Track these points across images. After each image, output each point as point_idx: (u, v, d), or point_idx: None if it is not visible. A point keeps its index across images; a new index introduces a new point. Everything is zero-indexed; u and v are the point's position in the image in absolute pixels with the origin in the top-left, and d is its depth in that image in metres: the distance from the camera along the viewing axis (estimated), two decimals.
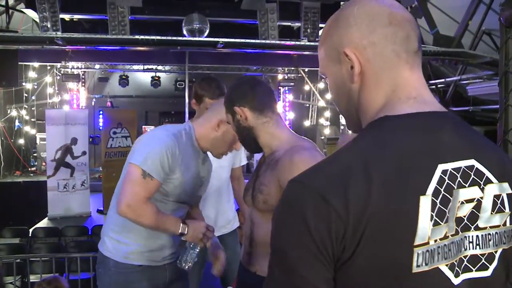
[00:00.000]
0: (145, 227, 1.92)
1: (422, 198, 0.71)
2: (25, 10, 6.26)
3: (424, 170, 0.73)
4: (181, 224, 1.94)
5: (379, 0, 0.84)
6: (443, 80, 7.67)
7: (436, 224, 0.72)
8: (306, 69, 11.07)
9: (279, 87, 12.33)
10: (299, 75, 11.35)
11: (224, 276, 2.75)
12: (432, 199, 0.72)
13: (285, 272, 0.74)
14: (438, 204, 0.72)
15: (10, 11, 5.90)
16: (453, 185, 0.74)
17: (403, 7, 0.86)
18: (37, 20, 5.73)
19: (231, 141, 2.00)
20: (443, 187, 0.73)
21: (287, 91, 12.49)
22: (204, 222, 2.05)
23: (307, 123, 12.71)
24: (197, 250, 1.98)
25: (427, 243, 0.71)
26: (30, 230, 6.16)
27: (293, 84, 11.33)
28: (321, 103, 11.87)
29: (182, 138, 1.96)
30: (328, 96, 11.50)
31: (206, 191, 2.32)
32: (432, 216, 0.71)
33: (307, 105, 12.86)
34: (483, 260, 0.77)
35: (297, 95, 12.84)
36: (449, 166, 0.75)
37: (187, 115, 9.00)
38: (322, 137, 11.01)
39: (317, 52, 0.93)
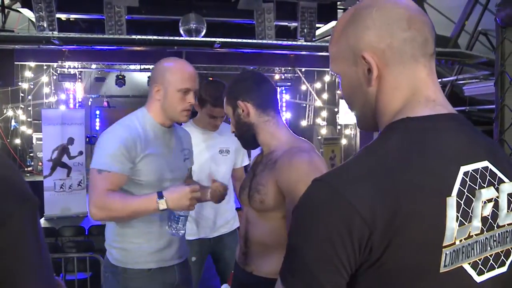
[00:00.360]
0: (123, 220, 1.89)
1: (448, 199, 0.73)
2: (21, 10, 6.23)
3: (448, 172, 0.75)
4: (157, 199, 1.78)
5: (397, 2, 0.84)
6: (439, 80, 7.66)
7: (461, 224, 0.74)
8: (303, 69, 11.07)
9: (276, 87, 12.29)
10: (296, 75, 11.35)
11: (224, 274, 2.76)
12: (457, 200, 0.74)
13: (299, 271, 0.74)
14: (463, 205, 0.74)
15: (6, 10, 5.88)
16: (474, 186, 0.76)
17: (420, 9, 0.85)
18: (33, 19, 5.71)
19: (177, 98, 1.93)
20: (466, 188, 0.75)
21: (284, 91, 12.48)
22: (185, 187, 1.83)
23: (304, 123, 12.72)
24: (188, 213, 1.87)
25: (454, 243, 0.73)
26: None
27: (290, 84, 11.33)
28: (318, 103, 11.87)
29: (136, 124, 1.91)
30: (325, 96, 11.51)
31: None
32: (457, 217, 0.73)
33: (304, 105, 12.87)
34: (502, 257, 0.80)
35: (294, 95, 12.85)
36: (469, 167, 0.77)
37: None
38: (319, 137, 11.03)
39: (328, 49, 0.92)
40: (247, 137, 1.75)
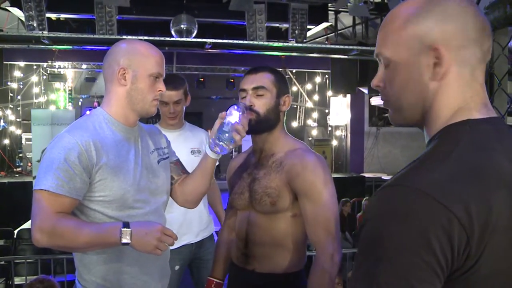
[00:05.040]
0: (77, 249, 1.51)
1: None
2: (10, 9, 6.18)
3: None
4: (121, 229, 1.40)
5: (471, 2, 0.82)
6: None
7: None
8: (294, 70, 11.09)
9: None
10: (287, 76, 11.37)
11: (203, 282, 2.67)
12: None
13: (391, 284, 0.69)
14: None
15: None
16: None
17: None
18: (23, 19, 5.67)
19: (148, 84, 1.59)
20: None
21: None
22: (157, 224, 1.47)
23: (294, 124, 12.74)
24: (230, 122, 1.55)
25: None
26: (15, 232, 6.09)
27: None
28: (309, 104, 11.90)
29: (90, 126, 1.55)
30: (316, 97, 11.54)
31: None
32: None
33: (295, 106, 12.90)
34: None
35: None
36: None
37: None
38: (310, 138, 11.06)
39: (384, 30, 0.87)
40: (267, 122, 1.68)
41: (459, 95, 0.81)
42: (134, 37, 5.64)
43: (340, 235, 1.65)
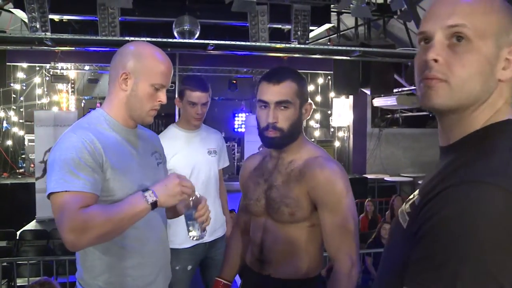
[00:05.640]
0: (109, 236, 1.44)
1: None
2: (13, 10, 6.19)
3: None
4: (143, 194, 1.43)
5: None
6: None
7: None
8: None
9: None
10: None
11: (211, 282, 2.70)
12: None
13: (479, 283, 0.68)
14: None
15: None
16: None
17: None
18: (26, 20, 5.68)
19: (148, 93, 1.56)
20: None
21: None
22: (171, 175, 1.52)
23: None
24: (194, 210, 1.59)
25: None
26: (18, 233, 6.09)
27: None
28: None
29: (92, 127, 1.54)
30: (318, 98, 11.52)
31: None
32: None
33: None
34: None
35: None
36: None
37: (177, 117, 8.98)
38: (312, 140, 11.05)
39: (463, 6, 0.82)
40: (292, 136, 1.62)
41: (502, 98, 0.83)
42: (138, 39, 5.64)
43: (359, 246, 1.59)
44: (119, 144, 1.56)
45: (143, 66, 1.55)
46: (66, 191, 1.38)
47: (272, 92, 1.58)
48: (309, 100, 1.67)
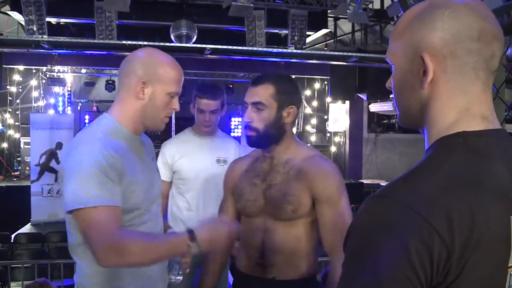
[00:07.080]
0: (141, 264, 1.46)
1: None
2: (10, 13, 6.19)
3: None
4: (189, 242, 1.42)
5: (473, 9, 0.77)
6: None
7: None
8: (293, 76, 11.10)
9: None
10: None
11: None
12: None
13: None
14: None
15: None
16: None
17: (496, 20, 0.79)
18: (23, 23, 5.68)
19: (165, 102, 1.56)
20: None
21: None
22: (222, 225, 1.53)
23: (293, 130, 12.74)
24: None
25: None
26: (12, 236, 6.06)
27: None
28: (308, 111, 11.91)
29: (109, 140, 1.50)
30: (315, 103, 11.55)
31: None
32: None
33: None
34: None
35: None
36: None
37: (173, 120, 8.98)
38: (309, 144, 11.06)
39: (390, 39, 0.86)
40: (269, 137, 1.67)
41: (451, 106, 0.79)
42: (135, 42, 5.65)
43: None
44: (129, 153, 1.54)
45: (160, 75, 1.54)
46: (95, 206, 1.36)
47: (249, 93, 1.67)
48: (295, 104, 1.69)
